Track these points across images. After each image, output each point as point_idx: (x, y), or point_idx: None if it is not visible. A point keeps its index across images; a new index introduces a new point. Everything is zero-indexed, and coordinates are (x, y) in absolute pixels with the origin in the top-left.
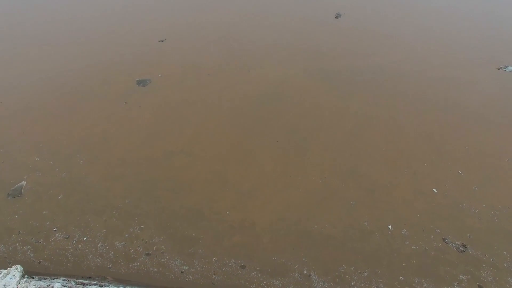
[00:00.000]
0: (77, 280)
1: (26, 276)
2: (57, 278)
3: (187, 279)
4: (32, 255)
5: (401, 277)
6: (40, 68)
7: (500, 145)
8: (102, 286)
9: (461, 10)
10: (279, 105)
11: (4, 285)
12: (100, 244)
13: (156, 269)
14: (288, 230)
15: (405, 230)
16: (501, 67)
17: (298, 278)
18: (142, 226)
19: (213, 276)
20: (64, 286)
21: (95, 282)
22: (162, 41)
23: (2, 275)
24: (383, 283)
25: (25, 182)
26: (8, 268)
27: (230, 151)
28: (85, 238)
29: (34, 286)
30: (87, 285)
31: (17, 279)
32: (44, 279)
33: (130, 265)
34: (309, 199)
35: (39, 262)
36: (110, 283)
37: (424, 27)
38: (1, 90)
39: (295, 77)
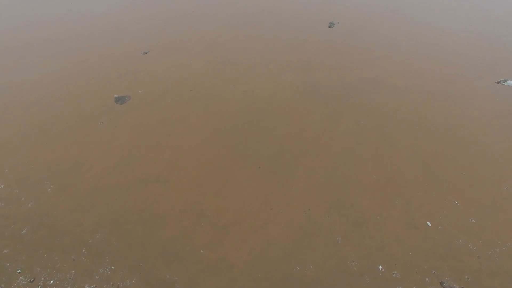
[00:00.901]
0: None
1: None
2: None
3: None
4: None
5: None
6: (7, 83)
7: (498, 170)
8: None
9: (459, 21)
10: (263, 125)
11: None
12: None
13: None
14: (268, 272)
15: (396, 272)
16: (500, 81)
17: None
18: (113, 267)
19: None
20: None
21: None
22: (146, 53)
23: None
24: None
25: None
26: None
27: (208, 179)
28: (51, 282)
29: None
30: None
31: None
32: None
33: None
34: (291, 236)
35: None
36: None
37: (421, 38)
38: None
39: (282, 94)
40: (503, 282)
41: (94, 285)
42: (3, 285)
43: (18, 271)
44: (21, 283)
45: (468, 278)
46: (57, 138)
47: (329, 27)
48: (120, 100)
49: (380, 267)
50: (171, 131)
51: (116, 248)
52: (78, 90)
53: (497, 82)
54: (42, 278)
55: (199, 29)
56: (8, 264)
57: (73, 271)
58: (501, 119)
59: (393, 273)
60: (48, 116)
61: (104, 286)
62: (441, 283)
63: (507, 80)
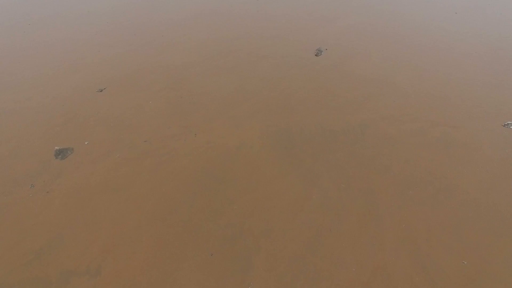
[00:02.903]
0: None
1: None
2: None
3: None
4: None
5: None
6: None
7: (507, 258)
8: None
9: (462, 48)
10: (222, 193)
11: None
12: None
13: None
14: None
15: None
16: (507, 124)
17: None
18: None
19: None
20: None
21: None
22: (101, 90)
23: None
24: None
25: None
26: None
27: (149, 270)
28: None
29: None
30: None
31: None
32: None
33: None
34: None
35: None
36: None
37: (420, 70)
38: None
39: (250, 146)
40: None
41: None
42: None
43: None
44: None
45: None
46: None
47: (316, 55)
48: (61, 154)
49: None
50: (112, 200)
51: None
52: (14, 141)
53: (504, 125)
54: None
55: (166, 58)
56: None
57: None
58: (510, 180)
59: None
60: None
61: None
62: None
63: None
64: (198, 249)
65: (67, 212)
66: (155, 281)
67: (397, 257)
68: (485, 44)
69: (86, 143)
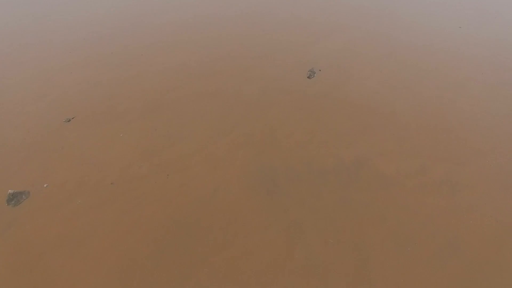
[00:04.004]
0: None
1: None
2: None
3: None
4: None
5: None
6: None
7: None
8: None
9: (465, 73)
10: (193, 248)
11: None
12: None
13: None
14: None
15: None
16: None
17: None
18: None
19: None
20: None
21: None
22: (69, 120)
23: None
24: None
25: None
26: None
27: None
28: None
29: None
30: None
31: None
32: None
33: None
34: None
35: None
36: None
37: (421, 95)
38: None
39: (229, 189)
40: None
41: None
42: None
43: None
44: None
45: None
46: None
47: (308, 77)
48: (14, 199)
49: None
50: (66, 259)
51: None
52: None
53: None
54: None
55: (143, 81)
56: None
57: None
58: None
59: None
60: None
61: None
62: None
63: None
64: None
65: (11, 277)
66: None
67: None
68: (491, 64)
69: (45, 185)
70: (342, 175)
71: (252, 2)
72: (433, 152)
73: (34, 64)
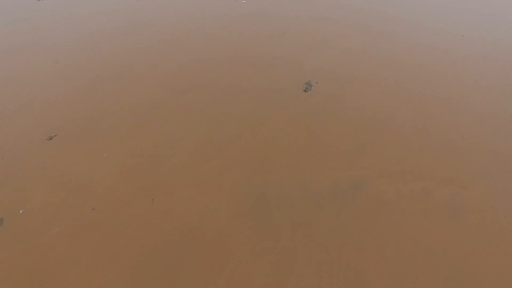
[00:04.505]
0: None
1: None
2: None
3: None
4: None
5: None
6: None
7: None
8: None
9: (470, 82)
10: (178, 281)
11: None
12: None
13: None
14: None
15: None
16: None
17: None
18: None
19: None
20: None
21: None
22: (51, 138)
23: None
24: None
25: None
26: None
27: None
28: None
29: None
30: None
31: None
32: None
33: None
34: None
35: None
36: None
37: (424, 109)
38: None
39: (217, 216)
40: None
41: None
42: None
43: None
44: None
45: None
46: None
47: (304, 90)
48: None
49: None
50: None
51: None
52: None
53: None
54: None
55: (132, 94)
56: None
57: None
58: None
59: None
60: None
61: None
62: None
63: None
64: None
65: None
66: None
67: None
68: (496, 74)
69: (21, 211)
70: (338, 200)
71: (246, 10)
72: (436, 173)
73: (15, 74)
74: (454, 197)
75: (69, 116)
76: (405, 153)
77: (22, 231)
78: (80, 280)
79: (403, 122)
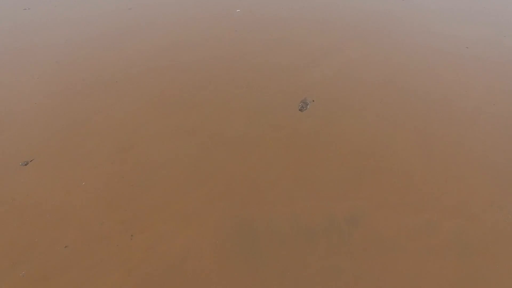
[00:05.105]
0: None
1: None
2: None
3: None
4: None
5: None
6: None
7: None
8: None
9: (475, 102)
10: None
11: None
12: None
13: None
14: None
15: None
16: None
17: None
18: None
19: None
20: None
21: None
22: (27, 163)
23: None
24: None
25: None
26: None
27: None
28: None
29: None
30: None
31: None
32: None
33: None
34: None
35: None
36: None
37: (426, 133)
38: None
39: (200, 254)
40: None
41: None
42: None
43: None
44: None
45: None
46: None
47: (300, 109)
48: None
49: None
50: None
51: None
52: None
53: None
54: None
55: (115, 113)
56: None
57: None
58: None
59: None
60: None
61: None
62: None
63: None
64: None
65: None
66: None
67: None
68: (504, 92)
69: None
70: (333, 237)
71: (239, 21)
72: (441, 204)
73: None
74: (460, 232)
75: (47, 137)
76: (406, 181)
77: None
78: None
79: (403, 147)
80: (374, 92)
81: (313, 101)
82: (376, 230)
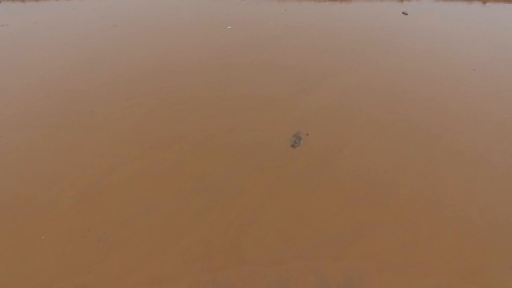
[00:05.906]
0: None
1: None
2: None
3: None
4: None
5: None
6: None
7: None
8: None
9: (485, 136)
10: None
11: None
12: None
13: None
14: None
15: None
16: None
17: None
18: None
19: None
20: None
21: None
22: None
23: None
24: None
25: None
26: None
27: None
28: None
29: None
30: None
31: None
32: None
33: None
34: None
35: None
36: None
37: (432, 175)
38: None
39: None
40: None
41: None
42: None
43: None
44: None
45: None
46: None
47: (292, 145)
48: None
49: None
50: None
51: None
52: None
53: None
54: None
55: (86, 152)
56: None
57: None
58: None
59: None
60: None
61: None
62: None
63: None
64: None
65: None
66: None
67: None
68: None
69: None
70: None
71: (231, 38)
72: (452, 265)
73: None
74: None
75: (8, 181)
76: (412, 238)
77: None
78: None
79: (408, 194)
80: (375, 123)
81: (307, 134)
82: None
